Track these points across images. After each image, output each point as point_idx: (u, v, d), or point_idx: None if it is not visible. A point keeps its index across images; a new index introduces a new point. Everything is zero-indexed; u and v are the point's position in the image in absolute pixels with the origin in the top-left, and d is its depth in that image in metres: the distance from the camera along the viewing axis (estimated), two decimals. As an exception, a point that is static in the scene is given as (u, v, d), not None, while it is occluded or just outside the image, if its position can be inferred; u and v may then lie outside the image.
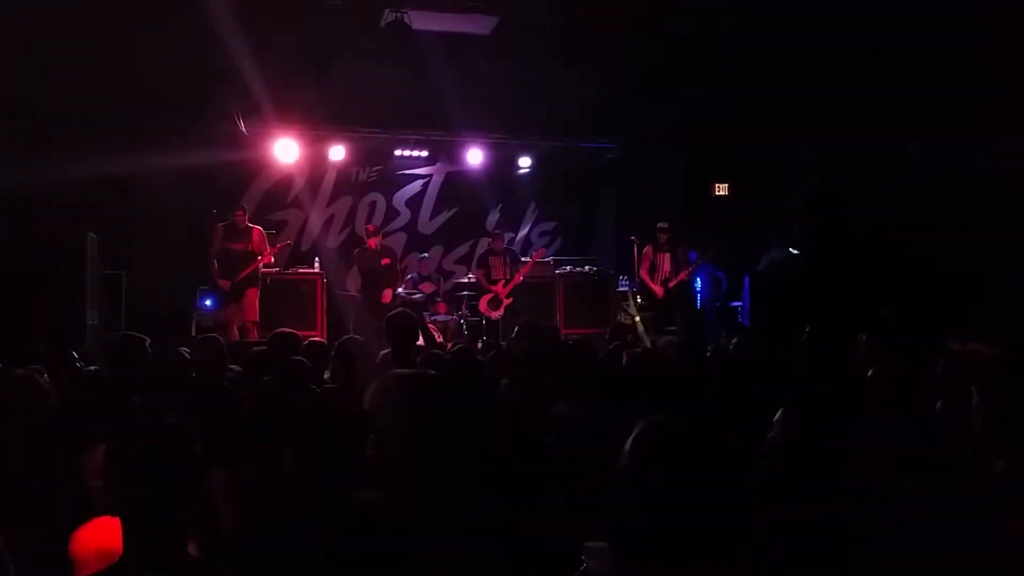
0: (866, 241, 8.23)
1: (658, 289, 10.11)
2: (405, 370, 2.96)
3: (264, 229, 10.19)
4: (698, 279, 11.03)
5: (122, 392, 3.89)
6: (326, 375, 4.92)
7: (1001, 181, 7.49)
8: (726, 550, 1.90)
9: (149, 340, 4.74)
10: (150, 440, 2.14)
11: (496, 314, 10.58)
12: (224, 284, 9.43)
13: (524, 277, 10.65)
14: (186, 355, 4.75)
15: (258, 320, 9.44)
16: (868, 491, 2.25)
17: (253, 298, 9.49)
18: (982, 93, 7.71)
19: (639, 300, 10.43)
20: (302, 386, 4.18)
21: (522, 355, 4.63)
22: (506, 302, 10.60)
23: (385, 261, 10.47)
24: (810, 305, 7.62)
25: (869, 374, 3.38)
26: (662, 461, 1.90)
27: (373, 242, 10.51)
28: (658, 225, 10.24)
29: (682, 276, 10.13)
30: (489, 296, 10.67)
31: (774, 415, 2.63)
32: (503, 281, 10.66)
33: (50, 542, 2.67)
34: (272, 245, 9.84)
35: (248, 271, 9.45)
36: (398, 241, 12.56)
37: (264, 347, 5.52)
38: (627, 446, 1.96)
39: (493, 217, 12.64)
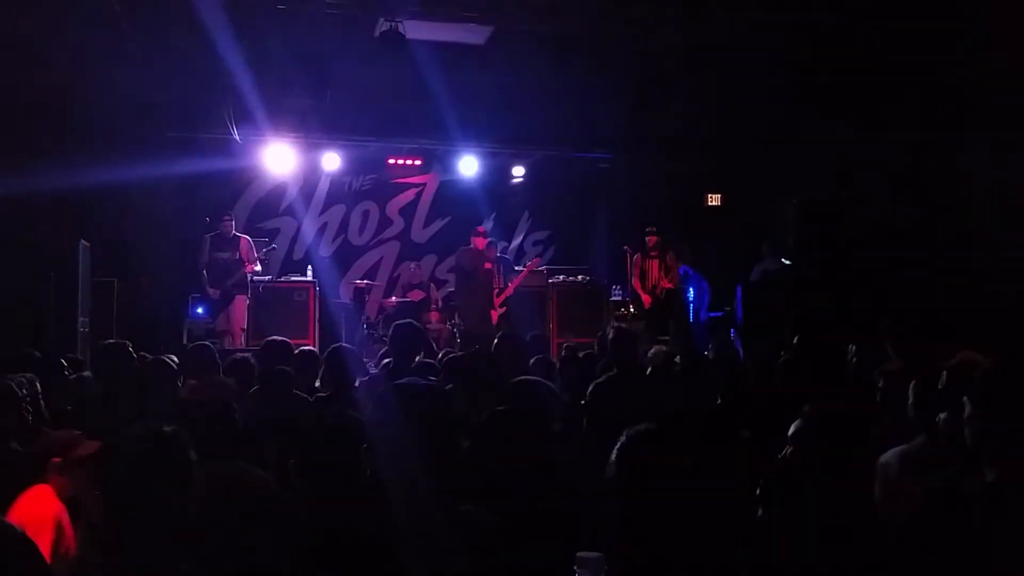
0: (858, 250, 8.25)
1: (645, 298, 10.17)
2: (401, 381, 2.95)
3: (257, 237, 10.19)
4: (690, 289, 11.04)
5: (109, 400, 3.88)
6: (317, 383, 4.92)
7: (993, 188, 7.52)
8: (717, 559, 1.90)
9: (131, 344, 4.75)
10: (146, 447, 2.13)
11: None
12: (214, 293, 9.50)
13: (517, 286, 10.61)
14: (172, 363, 4.73)
15: (246, 327, 9.47)
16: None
17: (242, 305, 9.53)
18: (975, 99, 7.75)
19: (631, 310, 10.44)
20: (286, 394, 4.18)
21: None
22: (499, 311, 10.57)
23: (487, 266, 10.29)
24: (802, 315, 7.62)
25: (863, 383, 3.38)
26: (646, 470, 1.90)
27: (481, 243, 10.29)
28: (646, 229, 10.25)
29: (665, 284, 10.18)
30: None
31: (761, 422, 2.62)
32: (496, 290, 10.64)
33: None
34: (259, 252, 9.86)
35: (235, 279, 9.48)
36: (391, 250, 12.55)
37: (246, 354, 5.53)
38: (612, 457, 1.96)
39: (487, 226, 12.62)
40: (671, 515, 1.82)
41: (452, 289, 10.60)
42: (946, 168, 7.97)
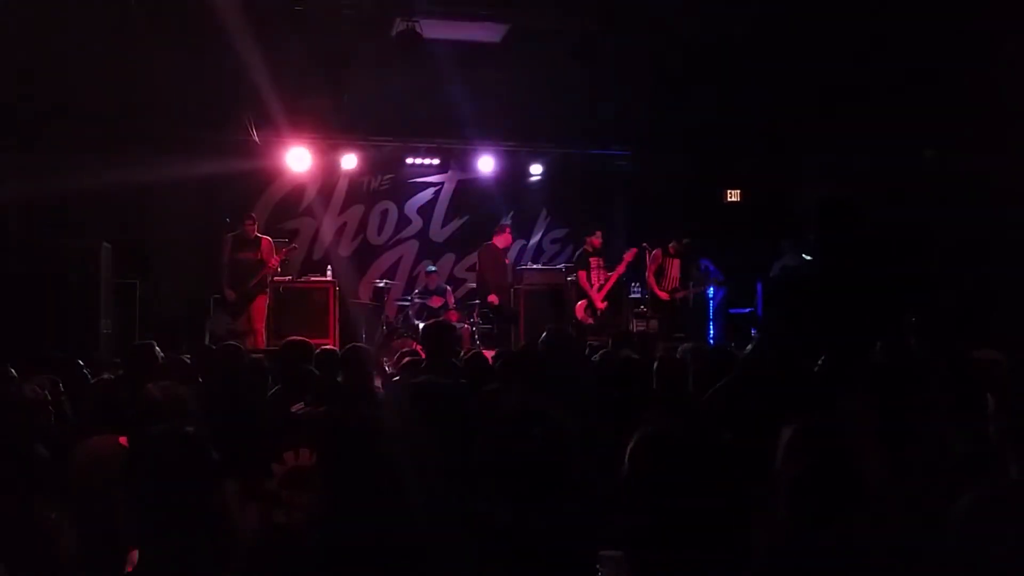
0: (880, 246, 8.19)
1: (663, 295, 10.06)
2: (417, 379, 2.96)
3: (277, 237, 10.22)
4: (710, 287, 11.03)
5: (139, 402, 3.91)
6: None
7: (1018, 184, 7.45)
8: (732, 556, 1.89)
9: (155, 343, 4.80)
10: (168, 447, 2.15)
11: (591, 320, 10.07)
12: (230, 295, 9.44)
13: (533, 284, 10.49)
14: (187, 362, 4.77)
15: (266, 328, 9.49)
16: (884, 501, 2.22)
17: (261, 306, 9.54)
18: (996, 99, 7.67)
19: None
20: (308, 394, 4.20)
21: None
22: (602, 306, 10.14)
23: (507, 261, 10.42)
24: (824, 311, 7.57)
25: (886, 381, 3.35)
26: (659, 470, 1.89)
27: (499, 240, 10.30)
28: (679, 239, 10.11)
29: (684, 293, 10.09)
30: (584, 303, 10.16)
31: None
32: (597, 286, 10.17)
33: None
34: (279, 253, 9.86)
35: (256, 280, 9.47)
36: (410, 249, 12.58)
37: (260, 354, 5.55)
38: (626, 457, 1.96)
39: (504, 223, 12.58)
40: (684, 511, 1.81)
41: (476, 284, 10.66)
42: (968, 164, 7.90)
